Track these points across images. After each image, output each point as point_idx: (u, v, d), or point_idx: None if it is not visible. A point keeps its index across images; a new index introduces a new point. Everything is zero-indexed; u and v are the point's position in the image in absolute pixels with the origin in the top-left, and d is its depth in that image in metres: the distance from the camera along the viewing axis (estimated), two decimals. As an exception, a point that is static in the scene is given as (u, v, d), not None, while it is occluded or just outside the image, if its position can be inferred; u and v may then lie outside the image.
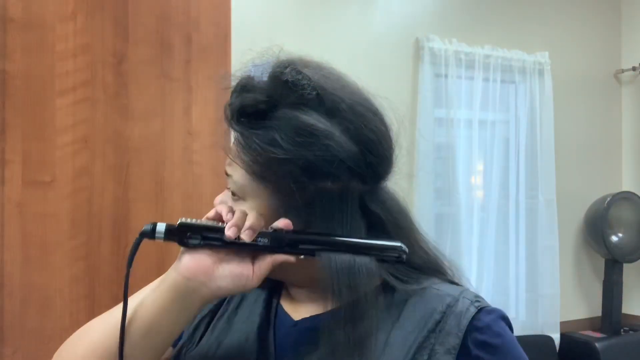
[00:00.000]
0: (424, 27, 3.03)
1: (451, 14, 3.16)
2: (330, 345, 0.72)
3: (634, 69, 3.60)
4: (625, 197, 3.45)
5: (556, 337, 3.26)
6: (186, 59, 1.67)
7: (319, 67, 0.78)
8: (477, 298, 0.76)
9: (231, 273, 0.72)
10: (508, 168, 3.29)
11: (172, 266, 0.75)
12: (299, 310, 0.82)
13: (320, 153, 0.72)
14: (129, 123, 1.60)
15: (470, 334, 0.73)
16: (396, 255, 0.74)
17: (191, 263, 0.73)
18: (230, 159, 0.78)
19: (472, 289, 0.80)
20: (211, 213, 0.76)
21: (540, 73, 3.32)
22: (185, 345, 0.86)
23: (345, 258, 0.73)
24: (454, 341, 0.72)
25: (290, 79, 0.74)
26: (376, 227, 0.77)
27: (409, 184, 2.90)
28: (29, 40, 1.49)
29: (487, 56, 3.15)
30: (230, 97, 0.78)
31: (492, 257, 3.19)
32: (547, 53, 3.33)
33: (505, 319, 0.76)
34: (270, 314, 0.83)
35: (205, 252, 0.73)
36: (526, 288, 3.27)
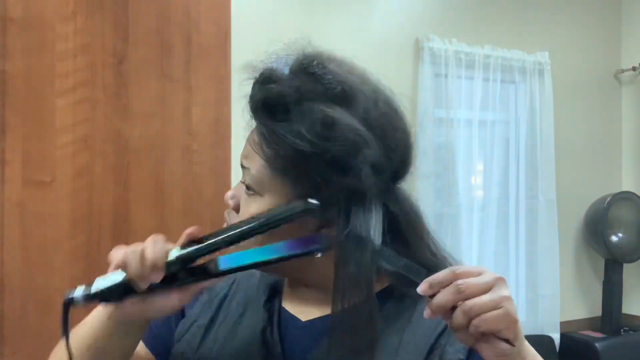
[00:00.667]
0: (424, 27, 3.03)
1: (451, 14, 3.16)
2: (341, 349, 0.72)
3: (634, 69, 3.60)
4: (625, 197, 3.45)
5: (556, 337, 3.26)
6: (186, 59, 1.67)
7: (343, 63, 0.77)
8: None
9: (160, 307, 0.72)
10: (508, 168, 3.29)
11: None
12: (305, 310, 0.81)
13: (344, 147, 0.71)
14: (129, 123, 1.60)
15: None
16: (303, 213, 0.71)
17: (121, 305, 0.72)
18: (254, 150, 0.76)
19: None
20: (116, 258, 0.71)
21: (540, 73, 3.32)
22: (186, 348, 0.84)
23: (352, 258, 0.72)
24: None
25: (316, 72, 0.74)
26: (392, 228, 0.76)
27: (409, 184, 2.89)
28: (29, 40, 1.49)
29: (487, 56, 3.15)
30: (252, 88, 0.77)
31: (492, 257, 3.19)
32: (547, 53, 3.33)
33: None
34: (274, 316, 0.81)
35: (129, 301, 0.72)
36: (526, 288, 3.27)
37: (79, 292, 0.72)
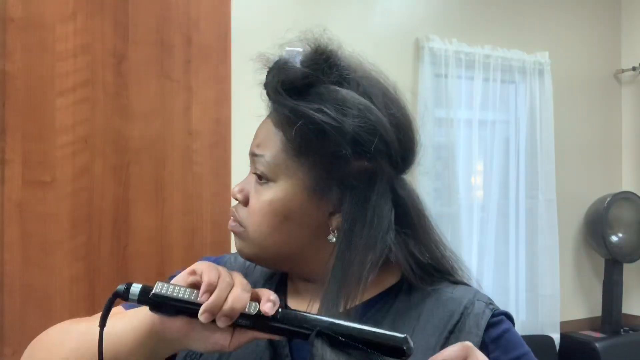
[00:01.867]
0: (424, 27, 3.03)
1: (451, 14, 3.15)
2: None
3: (634, 69, 3.60)
4: (625, 197, 3.45)
5: (556, 337, 3.26)
6: (186, 59, 1.67)
7: (353, 55, 0.79)
8: (490, 300, 0.79)
9: (207, 340, 0.68)
10: (508, 168, 3.29)
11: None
12: (309, 307, 0.81)
13: (364, 126, 0.72)
14: (129, 123, 1.60)
15: (487, 333, 0.75)
16: (395, 354, 0.63)
17: (168, 320, 0.68)
18: (272, 133, 0.75)
19: (478, 289, 0.82)
20: (189, 277, 0.68)
21: (540, 73, 3.32)
22: (190, 354, 0.83)
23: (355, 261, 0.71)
24: (474, 339, 0.73)
25: (331, 58, 0.75)
26: (400, 217, 0.77)
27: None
28: (29, 40, 1.49)
29: (487, 56, 3.15)
30: (267, 75, 0.77)
31: (492, 257, 3.19)
32: (547, 53, 3.33)
33: (510, 318, 0.80)
34: None
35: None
36: (526, 288, 3.27)
37: (136, 288, 0.67)
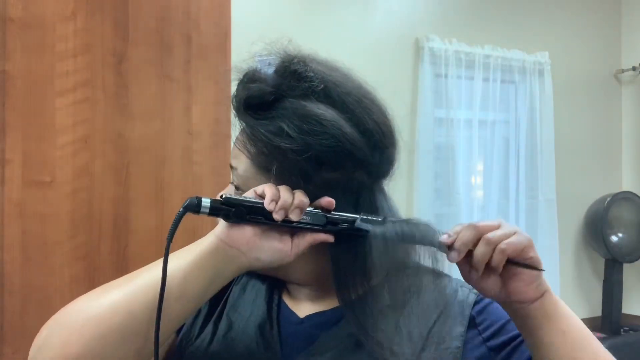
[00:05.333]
0: (424, 27, 3.03)
1: (451, 14, 3.15)
2: (345, 341, 0.74)
3: (634, 69, 3.60)
4: (625, 197, 3.45)
5: (556, 337, 3.26)
6: (186, 59, 1.67)
7: (325, 62, 0.78)
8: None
9: (271, 247, 0.71)
10: (508, 168, 3.29)
11: (211, 232, 0.73)
12: (301, 307, 0.82)
13: (327, 142, 0.72)
14: (129, 123, 1.60)
15: (473, 309, 0.78)
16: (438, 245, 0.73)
17: (233, 231, 0.71)
18: (238, 149, 0.77)
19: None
20: (254, 191, 0.72)
21: (540, 73, 3.32)
22: (185, 338, 0.84)
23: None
24: (459, 329, 0.76)
25: (298, 70, 0.75)
26: None
27: (409, 184, 2.90)
28: (29, 40, 1.49)
29: (487, 56, 3.15)
30: (236, 88, 0.78)
31: (492, 257, 3.19)
32: (547, 53, 3.33)
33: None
34: (272, 311, 0.82)
35: (248, 226, 0.71)
36: (526, 288, 3.27)
37: (206, 201, 0.71)
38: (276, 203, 0.69)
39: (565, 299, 2.84)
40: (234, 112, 0.79)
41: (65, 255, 1.52)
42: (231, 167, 0.80)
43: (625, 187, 3.63)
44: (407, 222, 0.72)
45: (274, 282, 0.85)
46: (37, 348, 0.72)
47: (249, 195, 0.72)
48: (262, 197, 0.70)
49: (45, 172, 1.50)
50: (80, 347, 0.68)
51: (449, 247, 0.69)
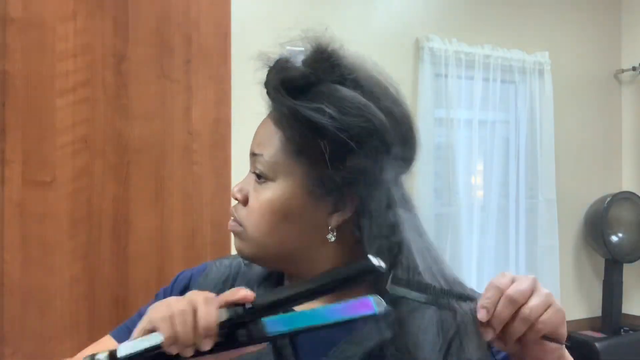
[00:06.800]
0: (424, 27, 3.03)
1: (451, 14, 3.15)
2: (362, 343, 0.73)
3: (634, 69, 3.60)
4: (625, 197, 3.45)
5: (556, 337, 3.26)
6: (186, 59, 1.67)
7: (354, 55, 0.79)
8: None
9: None
10: (508, 168, 3.29)
11: None
12: (308, 307, 0.81)
13: (364, 125, 0.72)
14: (129, 123, 1.60)
15: None
16: (369, 270, 0.64)
17: None
18: (271, 132, 0.75)
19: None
20: (159, 322, 0.61)
21: (540, 73, 3.32)
22: None
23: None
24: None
25: (332, 57, 0.75)
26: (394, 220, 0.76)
27: (409, 184, 2.89)
28: (29, 40, 1.49)
29: (487, 56, 3.15)
30: (268, 73, 0.77)
31: (492, 257, 3.19)
32: (547, 53, 3.33)
33: None
34: None
35: None
36: (526, 288, 3.27)
37: (102, 356, 0.60)
38: (177, 341, 0.60)
39: (565, 299, 2.83)
40: (268, 96, 0.77)
41: (65, 255, 1.52)
42: (254, 154, 0.77)
43: (625, 187, 3.63)
44: (443, 292, 0.66)
45: (275, 285, 0.84)
46: None
47: (138, 335, 0.62)
48: (153, 331, 0.61)
49: (45, 172, 1.50)
50: None
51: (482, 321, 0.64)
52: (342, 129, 0.71)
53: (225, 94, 1.71)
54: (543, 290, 0.65)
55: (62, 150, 1.52)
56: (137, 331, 0.63)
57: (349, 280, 0.64)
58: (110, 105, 1.57)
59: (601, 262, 3.50)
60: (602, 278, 3.47)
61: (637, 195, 3.46)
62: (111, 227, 1.56)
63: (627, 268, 3.46)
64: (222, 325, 0.61)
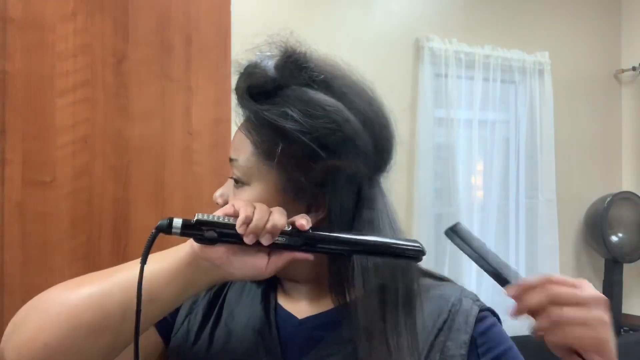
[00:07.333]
0: (424, 27, 3.03)
1: (451, 14, 3.16)
2: (345, 344, 0.74)
3: (634, 69, 3.60)
4: (625, 197, 3.45)
5: (556, 337, 3.26)
6: (186, 59, 1.67)
7: (324, 57, 0.80)
8: (476, 297, 0.82)
9: (245, 264, 0.71)
10: (508, 168, 3.29)
11: (189, 241, 0.73)
12: (299, 308, 0.82)
13: (330, 126, 0.72)
14: (129, 123, 1.60)
15: (475, 327, 0.77)
16: (414, 255, 0.73)
17: (207, 247, 0.71)
18: (242, 138, 0.77)
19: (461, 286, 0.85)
20: (229, 209, 0.71)
21: (540, 73, 3.32)
22: (181, 345, 0.84)
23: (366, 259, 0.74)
24: (464, 337, 0.76)
25: (299, 60, 0.76)
26: (367, 217, 0.78)
27: (409, 184, 2.90)
28: (29, 40, 1.49)
29: (487, 56, 3.15)
30: (238, 79, 0.79)
31: (492, 257, 3.19)
32: (547, 53, 3.33)
33: (495, 315, 0.82)
34: (270, 314, 0.82)
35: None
36: (526, 288, 3.27)
37: (178, 221, 0.69)
38: (247, 226, 0.68)
39: (565, 299, 2.77)
40: (237, 102, 0.79)
41: (65, 255, 1.52)
42: (231, 160, 0.80)
43: (625, 187, 3.63)
44: (488, 252, 0.74)
45: (270, 284, 0.85)
46: (13, 326, 0.76)
47: (221, 213, 0.71)
48: (235, 216, 0.69)
49: (45, 172, 1.50)
50: (51, 336, 0.71)
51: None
52: (306, 131, 0.72)
53: (225, 94, 1.71)
54: (597, 313, 0.63)
55: (62, 150, 1.51)
56: (219, 211, 0.71)
57: (397, 254, 0.72)
58: (110, 105, 1.57)
59: (601, 262, 3.50)
60: (602, 278, 3.47)
61: (637, 195, 3.46)
62: (111, 227, 1.56)
63: (627, 268, 3.46)
64: (283, 232, 0.70)
